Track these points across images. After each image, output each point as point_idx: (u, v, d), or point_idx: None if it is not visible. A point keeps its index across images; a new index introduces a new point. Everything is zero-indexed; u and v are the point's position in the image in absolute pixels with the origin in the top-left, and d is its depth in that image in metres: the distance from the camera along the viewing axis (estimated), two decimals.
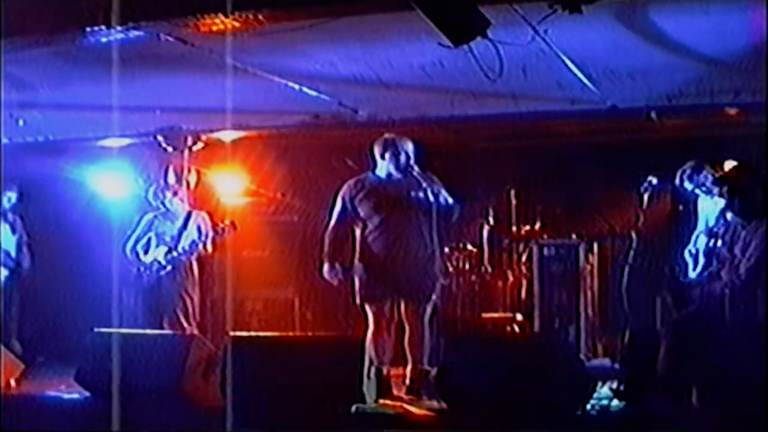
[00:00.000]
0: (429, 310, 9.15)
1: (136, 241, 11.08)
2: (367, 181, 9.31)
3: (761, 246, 8.23)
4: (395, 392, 8.83)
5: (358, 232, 9.31)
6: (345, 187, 9.35)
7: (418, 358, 9.02)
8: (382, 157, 9.21)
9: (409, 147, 9.17)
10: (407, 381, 8.93)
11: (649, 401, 7.76)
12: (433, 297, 9.18)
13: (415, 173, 9.08)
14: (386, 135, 9.33)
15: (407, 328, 9.10)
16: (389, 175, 9.22)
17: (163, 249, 10.87)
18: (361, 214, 9.23)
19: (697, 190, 9.73)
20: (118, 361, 7.86)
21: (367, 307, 9.17)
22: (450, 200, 9.15)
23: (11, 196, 11.94)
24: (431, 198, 9.03)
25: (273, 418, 7.58)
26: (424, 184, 9.04)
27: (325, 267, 9.28)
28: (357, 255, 9.30)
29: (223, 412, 7.25)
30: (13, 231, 11.97)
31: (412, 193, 9.09)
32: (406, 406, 8.51)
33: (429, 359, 9.04)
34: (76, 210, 12.40)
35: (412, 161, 9.12)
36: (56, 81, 9.80)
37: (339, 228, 9.33)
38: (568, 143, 12.50)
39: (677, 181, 9.71)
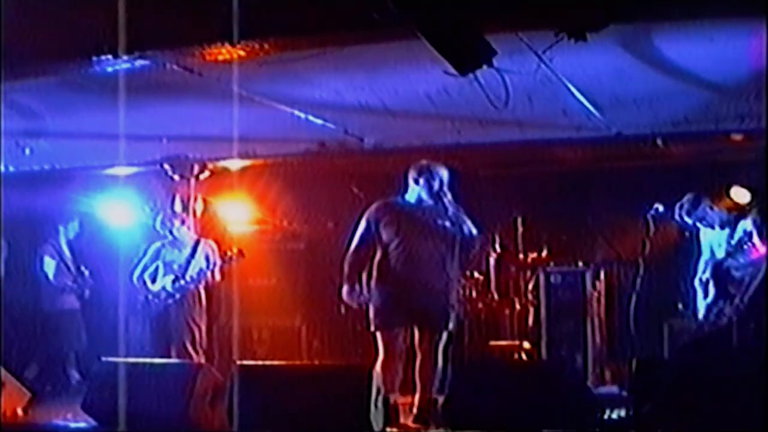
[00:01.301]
0: (444, 338, 9.04)
1: (144, 270, 11.11)
2: (395, 205, 9.25)
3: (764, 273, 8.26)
4: (402, 420, 8.79)
5: (377, 256, 9.18)
6: (372, 209, 9.26)
7: (428, 386, 8.92)
8: (416, 182, 9.15)
9: (444, 174, 9.13)
10: (415, 409, 8.85)
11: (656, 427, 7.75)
12: (450, 326, 9.06)
13: (445, 201, 9.03)
14: (423, 161, 9.25)
15: (419, 356, 9.00)
16: (419, 200, 9.16)
17: (171, 277, 10.90)
18: (384, 237, 9.12)
19: (697, 224, 9.74)
20: (126, 390, 7.88)
21: (379, 335, 9.05)
22: (474, 231, 9.12)
23: (74, 226, 12.16)
24: (456, 227, 9.00)
25: None
26: (452, 213, 9.01)
27: (345, 288, 9.14)
28: (374, 280, 9.18)
29: None
30: (75, 260, 12.13)
31: (439, 221, 9.03)
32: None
33: (440, 388, 8.89)
34: (83, 238, 12.41)
35: (445, 188, 9.07)
36: (63, 109, 9.82)
37: (361, 250, 9.20)
38: (573, 170, 12.50)
39: (677, 216, 9.71)
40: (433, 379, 8.94)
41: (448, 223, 9.00)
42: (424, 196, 9.11)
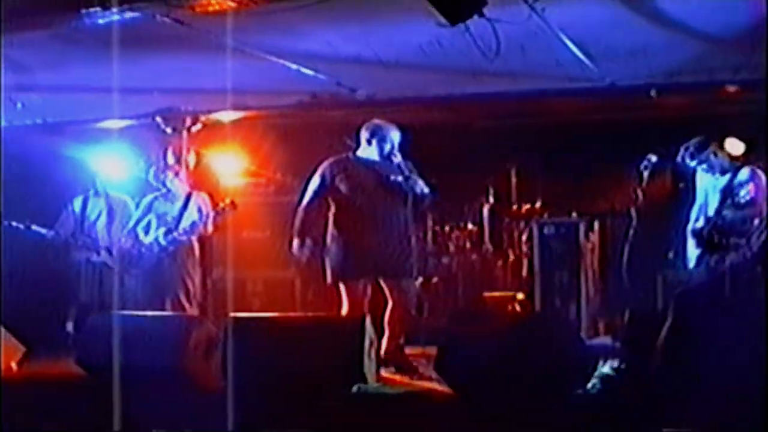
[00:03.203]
0: (412, 287, 9.43)
1: (137, 223, 11.10)
2: (349, 162, 9.52)
3: (762, 225, 8.25)
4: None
5: (332, 210, 9.49)
6: (325, 165, 9.54)
7: (396, 333, 9.24)
8: (368, 142, 9.47)
9: (396, 135, 9.43)
10: (381, 354, 8.98)
11: (649, 379, 7.76)
12: (414, 273, 9.38)
13: (396, 161, 9.31)
14: (375, 120, 9.56)
15: (389, 303, 9.31)
16: (372, 159, 9.46)
17: (163, 230, 10.87)
18: (339, 191, 9.42)
19: (699, 167, 9.72)
20: (120, 343, 7.89)
21: (341, 287, 9.36)
22: (426, 189, 9.40)
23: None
24: (408, 185, 9.24)
25: (274, 399, 7.59)
26: (404, 172, 9.25)
27: (295, 243, 9.43)
28: (329, 234, 9.47)
29: (224, 392, 7.28)
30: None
31: (391, 177, 9.30)
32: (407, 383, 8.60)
33: (415, 336, 9.44)
34: (75, 192, 12.36)
35: (395, 149, 9.36)
36: (54, 63, 9.77)
37: (313, 204, 9.48)
38: (567, 121, 12.48)
39: (679, 157, 9.70)
40: (402, 326, 9.27)
41: (400, 179, 9.26)
42: (375, 155, 9.44)
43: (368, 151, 9.48)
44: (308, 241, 9.39)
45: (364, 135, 9.50)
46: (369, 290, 9.41)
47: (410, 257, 9.31)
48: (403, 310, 9.35)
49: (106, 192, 12.03)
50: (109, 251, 11.82)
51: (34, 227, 11.80)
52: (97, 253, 11.89)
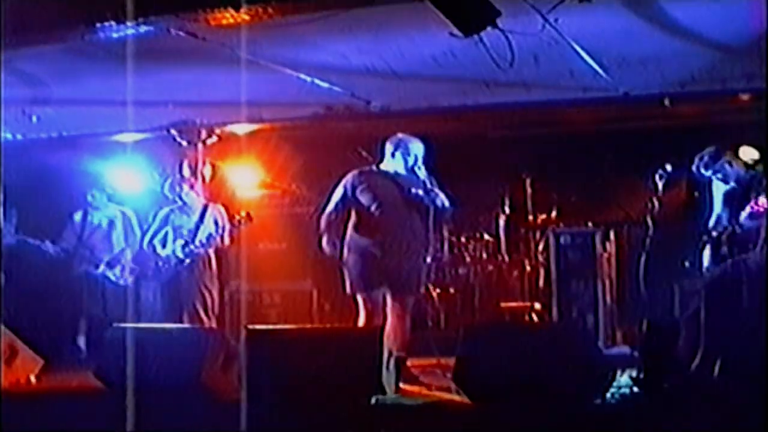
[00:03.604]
0: (411, 302, 9.53)
1: (153, 236, 11.12)
2: (372, 174, 9.62)
3: None
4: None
5: (352, 221, 9.58)
6: (349, 176, 9.63)
7: (395, 347, 9.21)
8: (393, 155, 9.56)
9: (420, 149, 9.50)
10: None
11: (668, 389, 7.75)
12: (420, 290, 9.67)
13: (420, 175, 9.41)
14: (400, 135, 9.62)
15: (390, 318, 9.39)
16: (396, 172, 9.54)
17: (181, 242, 10.89)
18: (360, 203, 9.51)
19: (714, 177, 9.71)
20: (138, 356, 7.90)
21: (359, 298, 9.45)
22: (446, 203, 9.49)
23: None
24: (429, 199, 9.36)
25: (292, 411, 7.59)
26: (426, 185, 9.36)
27: (324, 239, 9.57)
28: (347, 244, 9.55)
29: (242, 405, 7.29)
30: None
31: (413, 191, 9.40)
32: (425, 396, 8.60)
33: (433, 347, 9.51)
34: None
35: (419, 162, 9.43)
36: (68, 77, 9.81)
37: (335, 214, 9.60)
38: (581, 131, 12.49)
39: (694, 167, 9.69)
40: (402, 340, 9.32)
41: (422, 192, 9.36)
42: (400, 169, 9.51)
43: (392, 164, 9.57)
44: (335, 239, 9.51)
45: (388, 148, 9.59)
46: (385, 301, 9.45)
47: (419, 273, 9.51)
48: (403, 324, 9.42)
49: (106, 205, 12.13)
50: (110, 264, 11.91)
51: (32, 241, 11.92)
52: (96, 267, 11.97)
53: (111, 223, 12.21)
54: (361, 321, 9.39)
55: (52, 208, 12.47)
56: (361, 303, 9.43)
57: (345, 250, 9.54)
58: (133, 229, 12.16)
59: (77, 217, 12.23)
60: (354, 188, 9.52)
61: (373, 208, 9.44)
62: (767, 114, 9.17)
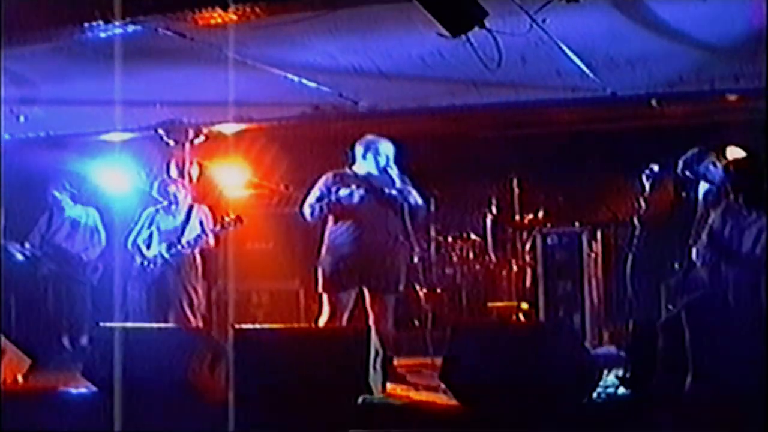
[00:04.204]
0: (393, 300, 9.57)
1: (138, 235, 11.09)
2: (346, 176, 9.68)
3: (764, 234, 8.23)
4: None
5: (329, 222, 9.66)
6: (324, 178, 9.71)
7: (378, 346, 9.17)
8: (364, 157, 9.65)
9: (390, 149, 9.60)
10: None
11: (653, 388, 7.77)
12: (400, 288, 9.64)
13: (392, 174, 9.51)
14: (368, 136, 9.72)
15: (371, 316, 9.44)
16: (368, 173, 9.62)
17: (166, 243, 10.88)
18: (335, 204, 9.54)
19: (699, 178, 9.72)
20: (124, 356, 7.89)
21: (324, 296, 9.55)
22: (419, 201, 9.62)
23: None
24: (402, 197, 9.47)
25: (279, 411, 7.60)
26: (398, 185, 9.46)
27: (306, 206, 9.70)
28: (324, 245, 9.66)
29: (229, 404, 7.29)
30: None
31: (386, 191, 9.50)
32: (412, 396, 8.60)
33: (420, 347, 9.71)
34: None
35: (391, 162, 9.54)
36: (56, 77, 9.79)
37: (313, 210, 9.66)
38: (568, 131, 12.50)
39: (678, 170, 9.70)
40: (386, 338, 9.15)
41: (394, 192, 9.48)
42: (372, 170, 9.61)
43: (364, 166, 9.64)
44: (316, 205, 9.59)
45: (359, 150, 9.67)
46: (352, 302, 9.55)
47: (396, 271, 9.56)
48: (385, 322, 9.44)
49: (70, 205, 12.12)
50: (73, 263, 11.90)
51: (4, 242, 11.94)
52: (59, 265, 11.95)
53: (75, 223, 12.18)
54: (323, 320, 9.50)
55: (29, 209, 12.46)
56: (325, 301, 9.52)
57: (323, 250, 9.64)
58: (98, 229, 12.15)
59: (43, 217, 12.23)
60: (329, 189, 9.58)
61: (347, 209, 9.49)
62: (767, 114, 9.18)
